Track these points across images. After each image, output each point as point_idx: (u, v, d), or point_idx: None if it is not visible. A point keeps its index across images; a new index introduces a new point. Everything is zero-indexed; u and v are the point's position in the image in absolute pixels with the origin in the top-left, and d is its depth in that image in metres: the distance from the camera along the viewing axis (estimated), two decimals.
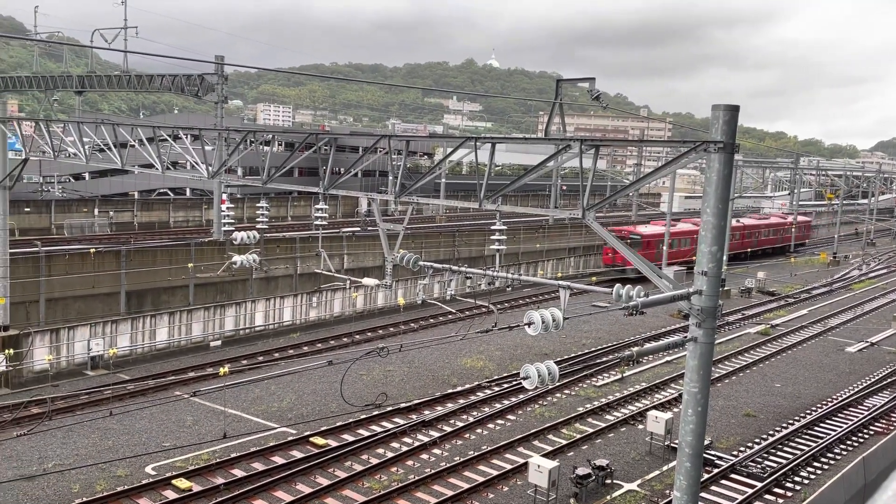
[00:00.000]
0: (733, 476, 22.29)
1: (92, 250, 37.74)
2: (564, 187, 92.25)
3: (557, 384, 29.26)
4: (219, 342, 34.26)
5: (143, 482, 19.77)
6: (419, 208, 75.02)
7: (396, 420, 25.38)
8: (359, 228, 58.12)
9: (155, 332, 32.38)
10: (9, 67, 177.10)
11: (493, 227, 27.29)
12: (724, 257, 30.39)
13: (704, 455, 19.73)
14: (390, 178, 20.47)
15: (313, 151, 23.83)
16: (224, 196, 45.84)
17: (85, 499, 18.70)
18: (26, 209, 50.00)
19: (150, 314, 32.96)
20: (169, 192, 68.79)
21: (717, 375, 32.03)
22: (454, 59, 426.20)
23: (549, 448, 23.44)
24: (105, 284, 37.53)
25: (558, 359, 32.56)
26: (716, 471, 22.22)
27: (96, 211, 54.37)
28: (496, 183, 17.54)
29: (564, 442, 24.03)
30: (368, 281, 21.35)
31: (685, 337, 11.30)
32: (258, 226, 24.87)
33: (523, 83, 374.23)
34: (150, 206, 60.03)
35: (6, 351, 27.29)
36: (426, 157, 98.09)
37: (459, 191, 79.14)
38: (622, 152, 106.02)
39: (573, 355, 33.99)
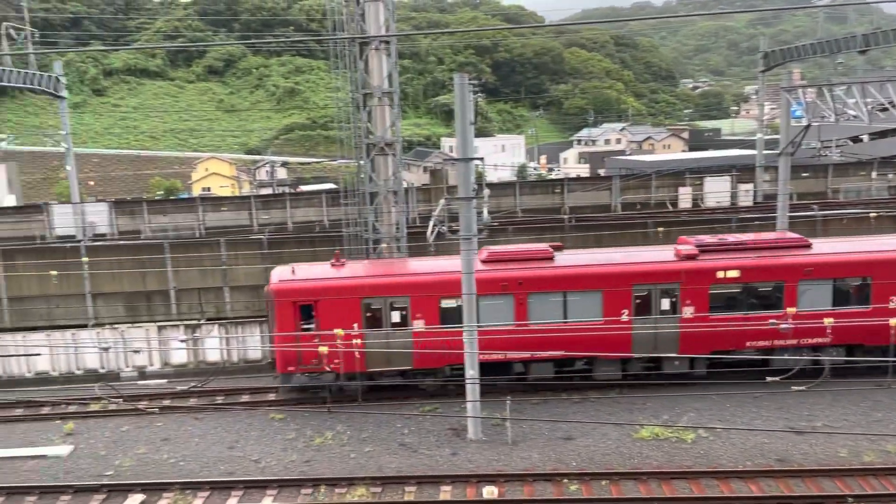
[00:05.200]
0: None
1: (872, 215, 36.59)
2: None
3: None
4: None
5: None
6: None
7: None
8: None
9: None
10: (792, 38, 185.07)
11: None
12: None
13: None
14: None
15: None
16: None
17: (854, 465, 18.60)
18: (804, 174, 51.70)
19: None
20: None
21: None
22: None
23: None
24: None
25: None
26: None
27: (874, 174, 52.00)
28: None
29: None
30: None
31: None
32: None
33: None
34: None
35: None
36: None
37: None
38: None
39: None
